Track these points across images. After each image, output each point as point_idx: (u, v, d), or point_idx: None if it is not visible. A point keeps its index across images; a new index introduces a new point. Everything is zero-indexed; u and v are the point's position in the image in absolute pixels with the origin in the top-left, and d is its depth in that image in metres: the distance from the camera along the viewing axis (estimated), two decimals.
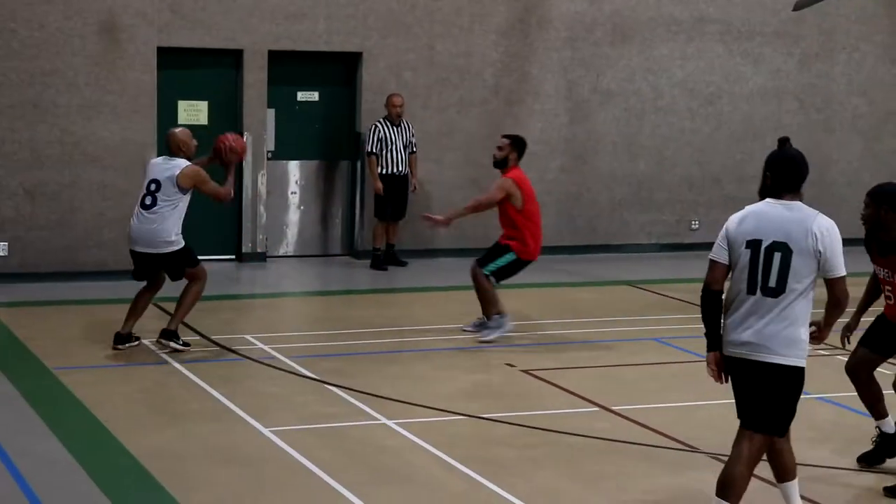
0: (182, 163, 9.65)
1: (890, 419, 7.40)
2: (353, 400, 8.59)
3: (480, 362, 9.89)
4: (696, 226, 15.57)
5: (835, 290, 5.86)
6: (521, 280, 13.47)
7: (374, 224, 14.03)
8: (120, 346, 9.81)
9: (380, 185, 13.72)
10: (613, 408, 8.56)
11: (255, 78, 13.77)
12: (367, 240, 14.24)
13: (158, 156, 10.20)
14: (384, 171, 13.77)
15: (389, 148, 13.73)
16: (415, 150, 13.94)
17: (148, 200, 9.65)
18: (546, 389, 9.10)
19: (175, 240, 9.67)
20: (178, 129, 9.89)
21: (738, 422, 8.15)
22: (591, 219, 15.18)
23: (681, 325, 11.38)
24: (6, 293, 11.91)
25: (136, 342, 9.90)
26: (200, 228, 12.99)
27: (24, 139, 12.48)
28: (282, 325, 11.32)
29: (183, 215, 9.72)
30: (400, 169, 13.84)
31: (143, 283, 9.97)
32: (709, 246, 16.27)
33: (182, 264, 9.80)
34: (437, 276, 13.56)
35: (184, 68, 13.32)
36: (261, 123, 13.89)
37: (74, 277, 12.54)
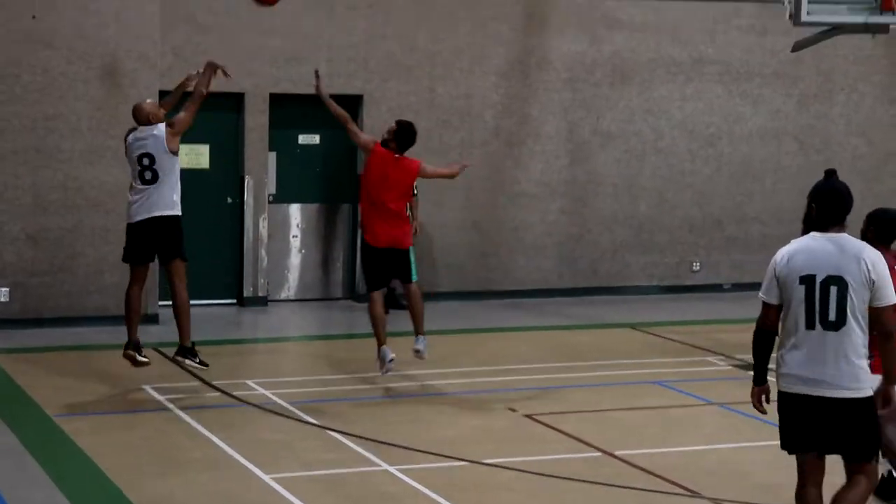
0: (161, 127, 9.85)
1: None
2: (354, 446, 8.57)
3: (482, 407, 9.86)
4: (698, 267, 15.57)
5: (883, 319, 5.87)
6: (523, 323, 13.53)
7: None
8: (135, 353, 9.84)
9: None
10: (616, 452, 8.54)
11: (256, 121, 13.83)
12: None
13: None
14: None
15: None
16: (416, 192, 13.95)
17: (148, 175, 9.81)
18: (548, 434, 9.07)
19: (177, 200, 9.89)
20: (146, 102, 10.13)
21: (742, 466, 8.17)
22: (593, 261, 15.19)
23: (682, 367, 11.36)
24: (7, 339, 11.88)
25: (146, 360, 9.97)
26: (202, 272, 13.02)
27: (26, 185, 12.50)
28: (283, 369, 11.31)
29: (179, 179, 9.94)
30: None
31: (129, 286, 10.03)
32: (710, 287, 16.45)
33: (178, 239, 9.91)
34: (438, 320, 13.50)
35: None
36: (262, 167, 13.93)
37: (76, 323, 12.52)
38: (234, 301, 14.02)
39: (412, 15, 14.24)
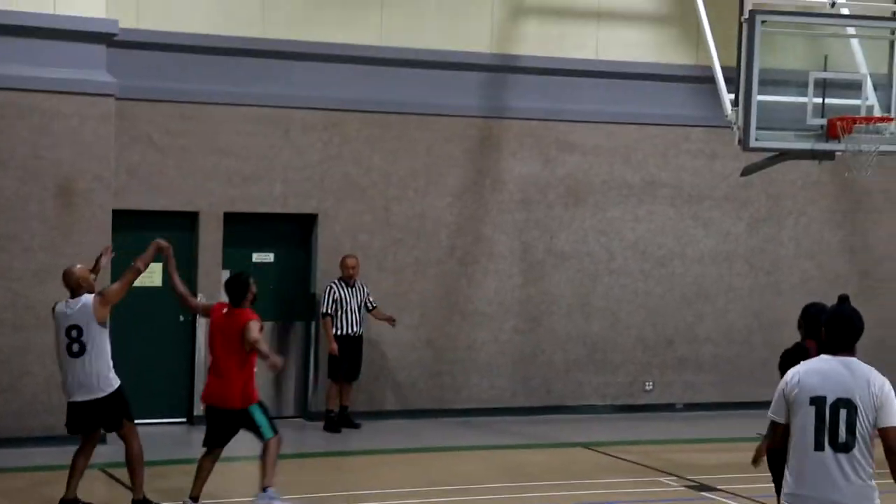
0: (87, 298, 9.79)
1: None
2: None
3: None
4: (650, 387, 15.61)
5: (889, 438, 5.90)
6: (475, 441, 13.49)
7: (328, 385, 13.99)
8: None
9: (335, 346, 13.74)
10: None
11: (210, 239, 13.86)
12: (321, 401, 14.17)
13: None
14: (339, 332, 13.80)
15: (344, 309, 13.78)
16: (375, 305, 14.00)
17: (75, 348, 9.71)
18: None
19: (112, 377, 9.79)
20: (76, 267, 10.05)
21: None
22: (546, 380, 15.20)
23: (635, 488, 11.32)
24: None
25: None
26: (151, 391, 12.93)
27: None
28: (233, 490, 11.15)
29: (109, 350, 9.80)
30: (354, 330, 13.88)
31: (79, 441, 9.92)
32: (663, 407, 16.49)
33: (120, 411, 9.83)
34: (391, 439, 13.49)
35: (139, 230, 13.39)
36: (216, 285, 13.90)
37: (23, 443, 12.32)
38: (185, 420, 13.89)
39: (367, 136, 14.41)
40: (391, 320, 14.03)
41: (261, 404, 10.08)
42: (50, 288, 12.55)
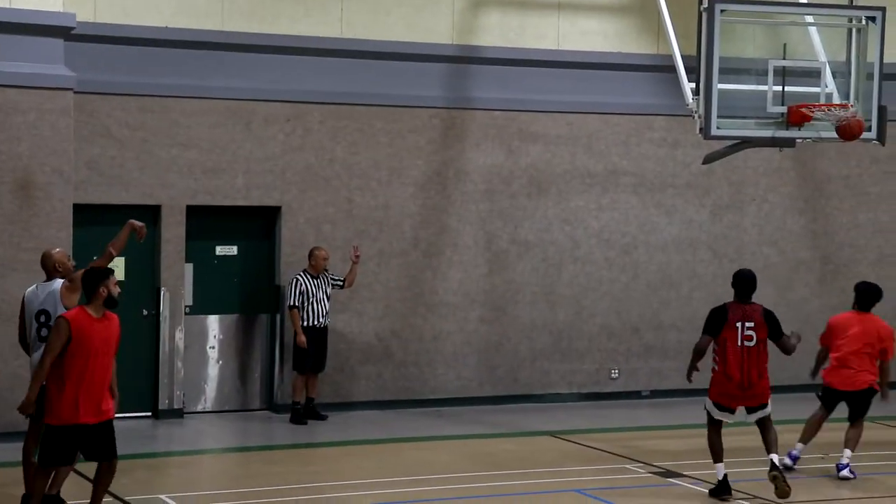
0: (57, 283, 9.68)
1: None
2: None
3: None
4: (616, 374, 15.67)
5: None
6: (442, 431, 13.50)
7: (294, 377, 13.95)
8: None
9: (303, 338, 13.70)
10: None
11: (172, 233, 13.78)
12: (287, 393, 14.14)
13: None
14: (306, 324, 13.77)
15: (311, 300, 13.75)
16: (342, 279, 13.95)
17: (44, 332, 9.60)
18: None
19: None
20: (55, 250, 9.95)
21: None
22: (512, 369, 15.22)
23: (602, 475, 11.37)
24: None
25: None
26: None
27: None
28: (199, 484, 11.13)
29: None
30: (321, 321, 13.85)
31: (27, 441, 9.73)
32: (629, 395, 16.48)
33: None
34: (357, 430, 13.48)
35: (101, 224, 13.29)
36: (178, 278, 13.85)
37: None
38: (150, 414, 13.82)
39: (329, 127, 14.37)
40: (356, 258, 13.93)
41: (53, 431, 8.84)
42: (10, 282, 12.48)
